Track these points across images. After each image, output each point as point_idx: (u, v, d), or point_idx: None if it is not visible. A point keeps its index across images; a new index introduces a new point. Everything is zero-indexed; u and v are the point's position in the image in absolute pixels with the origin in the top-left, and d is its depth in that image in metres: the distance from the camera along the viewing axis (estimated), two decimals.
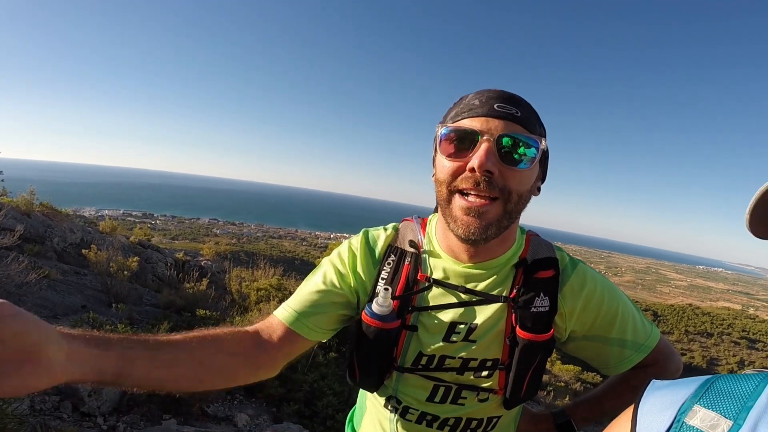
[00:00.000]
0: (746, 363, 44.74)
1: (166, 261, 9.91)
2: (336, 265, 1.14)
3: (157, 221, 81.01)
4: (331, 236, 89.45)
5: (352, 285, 1.12)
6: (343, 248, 1.16)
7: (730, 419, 0.50)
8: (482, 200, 0.93)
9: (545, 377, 11.47)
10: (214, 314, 5.50)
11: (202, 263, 10.90)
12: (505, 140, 0.91)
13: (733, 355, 46.48)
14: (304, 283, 1.18)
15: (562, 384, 11.68)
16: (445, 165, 0.96)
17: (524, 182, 0.96)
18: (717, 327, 50.86)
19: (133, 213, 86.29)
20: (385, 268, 1.10)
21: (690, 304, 61.16)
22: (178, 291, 7.06)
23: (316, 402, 4.33)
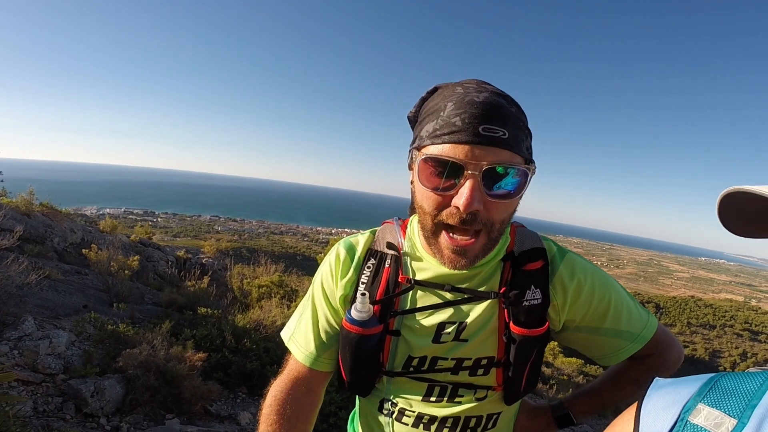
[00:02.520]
0: (749, 355, 44.84)
1: (167, 259, 9.93)
2: (326, 294, 1.14)
3: (159, 219, 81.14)
4: (333, 231, 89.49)
5: (341, 306, 1.11)
6: (325, 268, 1.15)
7: (735, 417, 0.50)
8: (467, 239, 0.90)
9: (548, 371, 11.47)
10: (216, 312, 5.50)
11: (203, 260, 10.92)
12: (492, 173, 0.85)
13: (736, 348, 46.56)
14: (302, 310, 1.20)
15: (565, 377, 11.69)
16: (429, 195, 0.90)
17: (508, 210, 0.93)
18: (719, 319, 50.95)
19: (135, 211, 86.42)
20: (364, 272, 1.08)
21: (692, 296, 61.23)
22: (180, 289, 7.06)
23: None
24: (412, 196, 1.00)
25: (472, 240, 0.90)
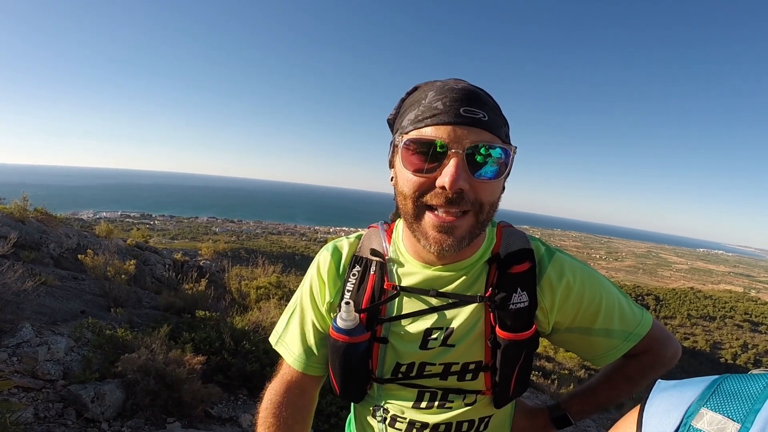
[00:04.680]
0: (750, 346, 45.00)
1: (165, 262, 9.90)
2: (313, 299, 1.14)
3: (156, 221, 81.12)
4: (330, 230, 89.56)
5: (328, 311, 1.12)
6: (312, 273, 1.15)
7: (738, 422, 0.50)
8: (453, 217, 0.88)
9: (549, 365, 11.49)
10: (214, 315, 5.48)
11: (201, 263, 10.90)
12: (474, 152, 0.85)
13: (736, 339, 46.74)
14: (290, 313, 1.20)
15: (566, 372, 11.69)
16: (410, 178, 0.89)
17: (495, 192, 0.92)
18: (719, 310, 51.10)
19: (131, 214, 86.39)
20: (350, 279, 1.07)
21: (691, 288, 61.24)
22: (178, 292, 7.04)
23: (319, 399, 4.30)
24: (396, 197, 0.98)
25: (459, 218, 0.89)
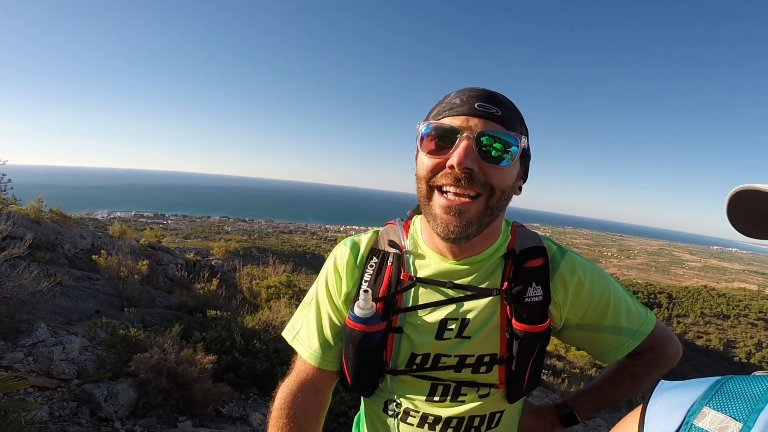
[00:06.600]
0: (764, 345, 44.28)
1: (177, 262, 9.99)
2: (329, 292, 1.15)
3: (169, 221, 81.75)
4: (341, 229, 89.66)
5: (345, 304, 1.13)
6: (329, 266, 1.16)
7: (740, 421, 0.50)
8: (462, 198, 0.93)
9: (559, 364, 11.43)
10: (225, 314, 5.53)
11: (213, 262, 10.98)
12: (485, 138, 0.91)
13: (751, 337, 46.03)
14: (306, 308, 1.20)
15: (577, 371, 11.60)
16: (425, 161, 0.96)
17: (506, 179, 0.96)
18: (733, 308, 50.33)
19: (145, 214, 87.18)
20: (367, 271, 1.10)
21: (705, 286, 60.40)
22: (190, 292, 7.11)
23: None
24: (416, 185, 1.03)
25: (468, 201, 0.93)
